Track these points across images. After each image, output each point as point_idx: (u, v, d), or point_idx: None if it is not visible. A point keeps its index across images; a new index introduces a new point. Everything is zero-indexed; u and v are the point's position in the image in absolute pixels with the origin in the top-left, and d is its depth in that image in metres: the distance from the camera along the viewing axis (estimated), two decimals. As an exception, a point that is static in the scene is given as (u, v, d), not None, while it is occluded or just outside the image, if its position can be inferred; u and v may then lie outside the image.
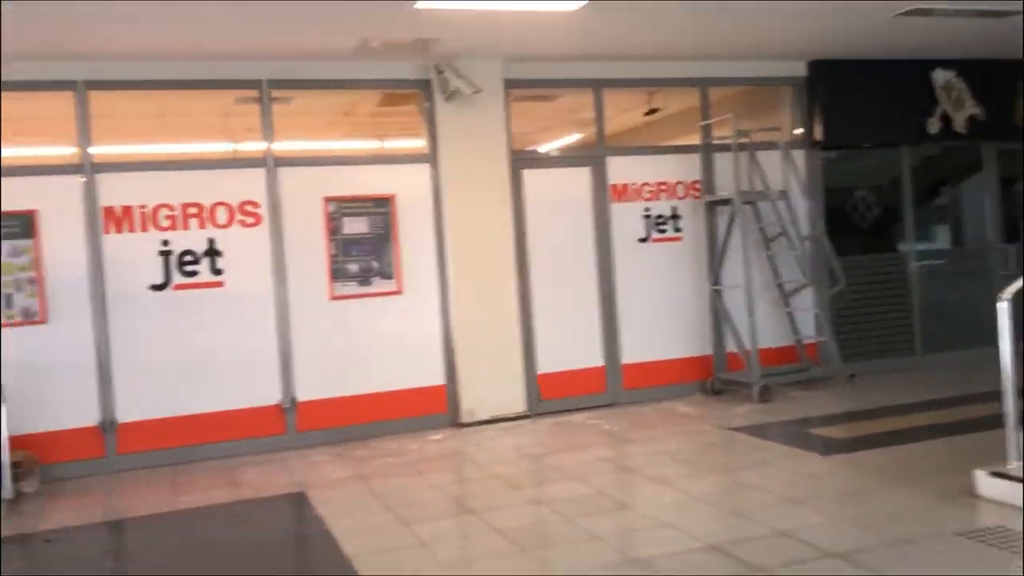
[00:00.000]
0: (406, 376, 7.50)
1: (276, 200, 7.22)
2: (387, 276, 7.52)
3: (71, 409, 6.67)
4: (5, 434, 5.88)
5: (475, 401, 7.55)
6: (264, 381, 7.13)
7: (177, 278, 6.96)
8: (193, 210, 7.03)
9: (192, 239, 7.01)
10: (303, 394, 7.23)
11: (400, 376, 7.48)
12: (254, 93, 7.23)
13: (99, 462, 6.71)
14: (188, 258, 7.00)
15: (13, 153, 7.12)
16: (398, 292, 7.53)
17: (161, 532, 5.35)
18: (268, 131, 7.22)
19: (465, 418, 7.53)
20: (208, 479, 6.40)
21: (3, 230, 6.58)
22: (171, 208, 6.98)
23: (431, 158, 7.65)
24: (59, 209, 6.73)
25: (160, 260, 6.93)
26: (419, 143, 7.79)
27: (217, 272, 7.06)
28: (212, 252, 7.05)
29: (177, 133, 7.90)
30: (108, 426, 6.77)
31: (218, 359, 7.02)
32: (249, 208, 7.17)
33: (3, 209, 6.56)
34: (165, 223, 6.96)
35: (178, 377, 6.92)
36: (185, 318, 6.96)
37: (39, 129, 7.68)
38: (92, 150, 6.83)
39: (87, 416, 6.73)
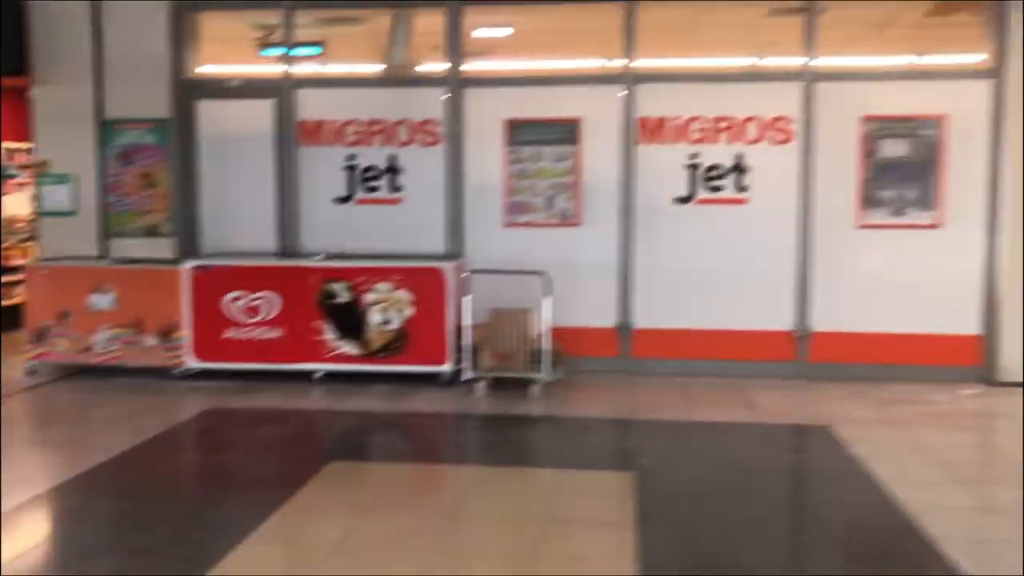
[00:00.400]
0: (934, 320, 6.74)
1: (810, 117, 6.80)
2: (925, 207, 6.73)
3: (594, 309, 7.06)
4: (549, 325, 6.42)
5: (1017, 359, 6.53)
6: (778, 306, 6.89)
7: (702, 192, 6.95)
8: (723, 124, 6.91)
9: (719, 154, 6.92)
10: (817, 324, 6.85)
11: (927, 320, 6.74)
12: (793, 4, 6.80)
13: (613, 360, 7.05)
14: (714, 173, 6.93)
15: (560, 65, 7.59)
16: (936, 226, 6.72)
17: (688, 440, 5.42)
18: (808, 43, 6.78)
19: (1004, 376, 6.56)
20: (718, 396, 6.38)
21: (550, 136, 7.08)
22: (702, 121, 6.93)
23: (993, 73, 6.61)
24: (599, 119, 7.04)
25: (687, 173, 6.96)
26: (976, 57, 6.75)
27: (742, 189, 6.89)
28: (739, 168, 6.90)
29: (708, 47, 7.79)
30: (624, 329, 7.08)
31: (733, 278, 6.91)
32: (780, 124, 6.85)
33: (551, 116, 7.04)
34: (695, 136, 6.94)
35: (693, 291, 6.97)
36: (705, 233, 6.94)
37: (583, 41, 8.07)
38: (634, 63, 6.98)
39: (606, 317, 7.08)
